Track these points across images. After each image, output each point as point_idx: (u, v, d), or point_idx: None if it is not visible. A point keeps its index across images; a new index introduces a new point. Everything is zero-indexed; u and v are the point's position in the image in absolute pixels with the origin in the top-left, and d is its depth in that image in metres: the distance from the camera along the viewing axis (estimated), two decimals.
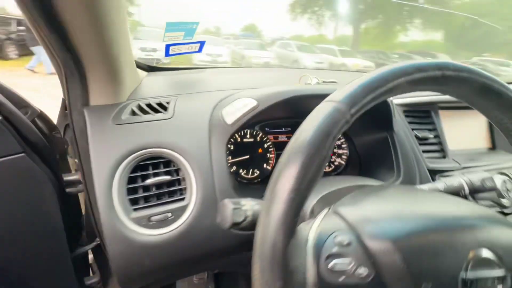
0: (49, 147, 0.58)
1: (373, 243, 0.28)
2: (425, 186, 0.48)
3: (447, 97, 0.36)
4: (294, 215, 0.24)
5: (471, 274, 0.28)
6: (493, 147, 0.88)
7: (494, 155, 0.85)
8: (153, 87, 0.63)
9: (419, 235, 0.29)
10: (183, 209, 0.47)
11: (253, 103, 0.53)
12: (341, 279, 0.27)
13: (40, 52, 4.92)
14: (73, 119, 0.49)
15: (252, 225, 0.33)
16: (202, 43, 0.68)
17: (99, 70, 0.46)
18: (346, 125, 0.26)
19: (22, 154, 0.50)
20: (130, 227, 0.43)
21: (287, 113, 0.64)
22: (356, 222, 0.30)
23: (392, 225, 0.30)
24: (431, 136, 0.73)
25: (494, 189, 0.46)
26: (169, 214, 0.45)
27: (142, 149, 0.47)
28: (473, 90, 0.31)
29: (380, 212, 0.32)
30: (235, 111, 0.54)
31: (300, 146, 0.25)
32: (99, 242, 0.59)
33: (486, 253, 0.29)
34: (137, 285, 0.49)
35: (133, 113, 0.51)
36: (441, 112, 0.78)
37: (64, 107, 0.61)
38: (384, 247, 0.28)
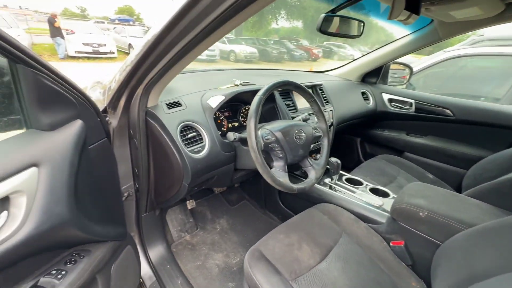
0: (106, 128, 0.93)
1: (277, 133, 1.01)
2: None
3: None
4: (256, 135, 0.91)
5: None
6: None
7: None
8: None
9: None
10: (203, 146, 1.08)
11: (222, 97, 1.17)
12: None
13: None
14: (140, 114, 1.00)
15: (240, 140, 1.03)
16: None
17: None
18: (262, 102, 0.95)
19: (105, 139, 0.92)
20: (188, 153, 1.02)
21: (234, 100, 1.30)
22: (273, 130, 1.01)
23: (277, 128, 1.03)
24: (291, 102, 1.53)
25: None
26: (200, 148, 1.07)
27: (183, 122, 1.05)
28: (294, 88, 1.08)
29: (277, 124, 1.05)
30: (215, 101, 1.16)
31: (251, 111, 0.92)
32: None
33: None
34: (195, 180, 1.06)
35: (168, 107, 1.06)
36: (294, 93, 1.60)
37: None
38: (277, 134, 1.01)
